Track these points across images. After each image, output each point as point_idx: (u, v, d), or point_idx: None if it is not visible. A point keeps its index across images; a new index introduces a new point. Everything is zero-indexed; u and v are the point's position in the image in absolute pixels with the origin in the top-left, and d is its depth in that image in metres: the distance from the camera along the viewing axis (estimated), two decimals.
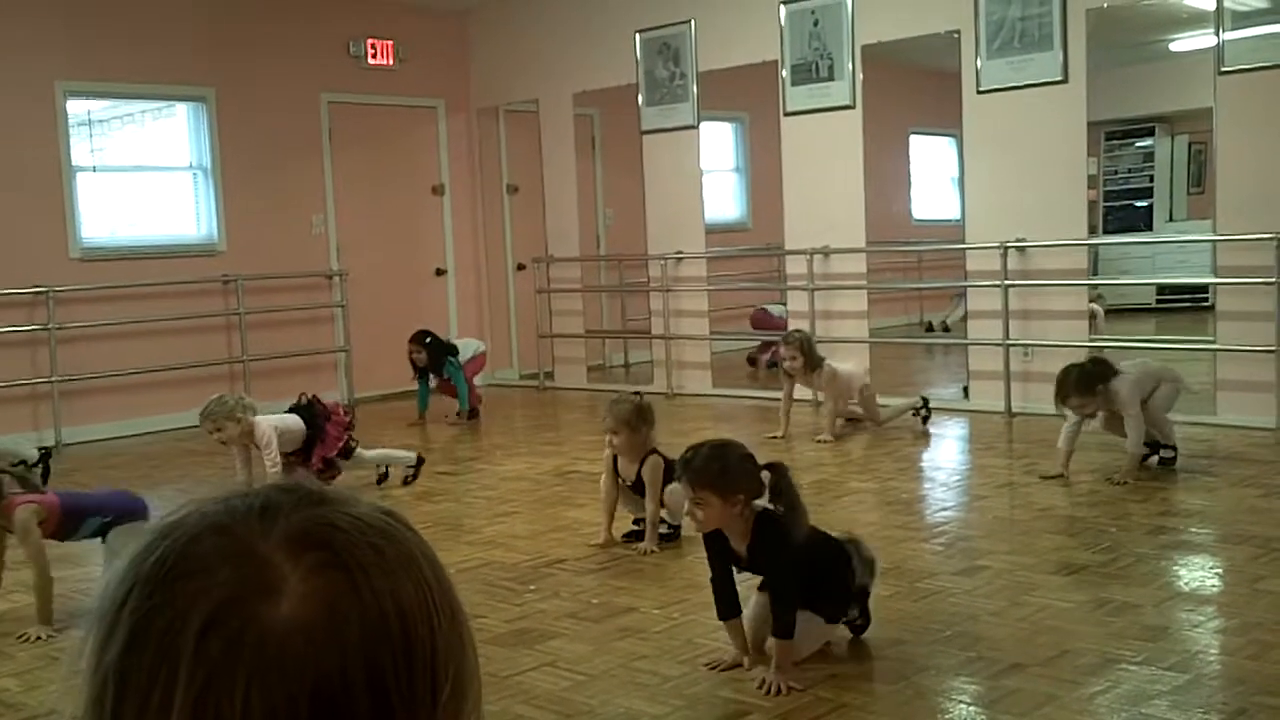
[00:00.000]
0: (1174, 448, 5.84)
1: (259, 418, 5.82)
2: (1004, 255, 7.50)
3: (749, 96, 9.58)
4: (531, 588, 4.37)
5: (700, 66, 8.97)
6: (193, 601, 0.64)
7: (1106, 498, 5.32)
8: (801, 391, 7.39)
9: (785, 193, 8.67)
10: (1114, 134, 12.60)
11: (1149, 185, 12.67)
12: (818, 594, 3.51)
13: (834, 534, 3.72)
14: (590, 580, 4.46)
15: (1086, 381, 5.54)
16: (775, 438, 6.98)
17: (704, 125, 9.23)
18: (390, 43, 9.85)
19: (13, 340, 8.04)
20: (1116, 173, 12.86)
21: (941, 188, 11.96)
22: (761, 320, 9.75)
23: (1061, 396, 5.63)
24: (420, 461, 6.39)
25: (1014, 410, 7.48)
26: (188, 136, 9.00)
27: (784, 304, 9.03)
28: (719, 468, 3.42)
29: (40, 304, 8.12)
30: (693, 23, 8.95)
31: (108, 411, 8.39)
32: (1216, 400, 6.92)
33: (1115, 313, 10.29)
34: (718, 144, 10.89)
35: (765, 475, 3.46)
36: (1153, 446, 5.84)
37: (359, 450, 6.22)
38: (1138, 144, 12.77)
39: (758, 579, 3.60)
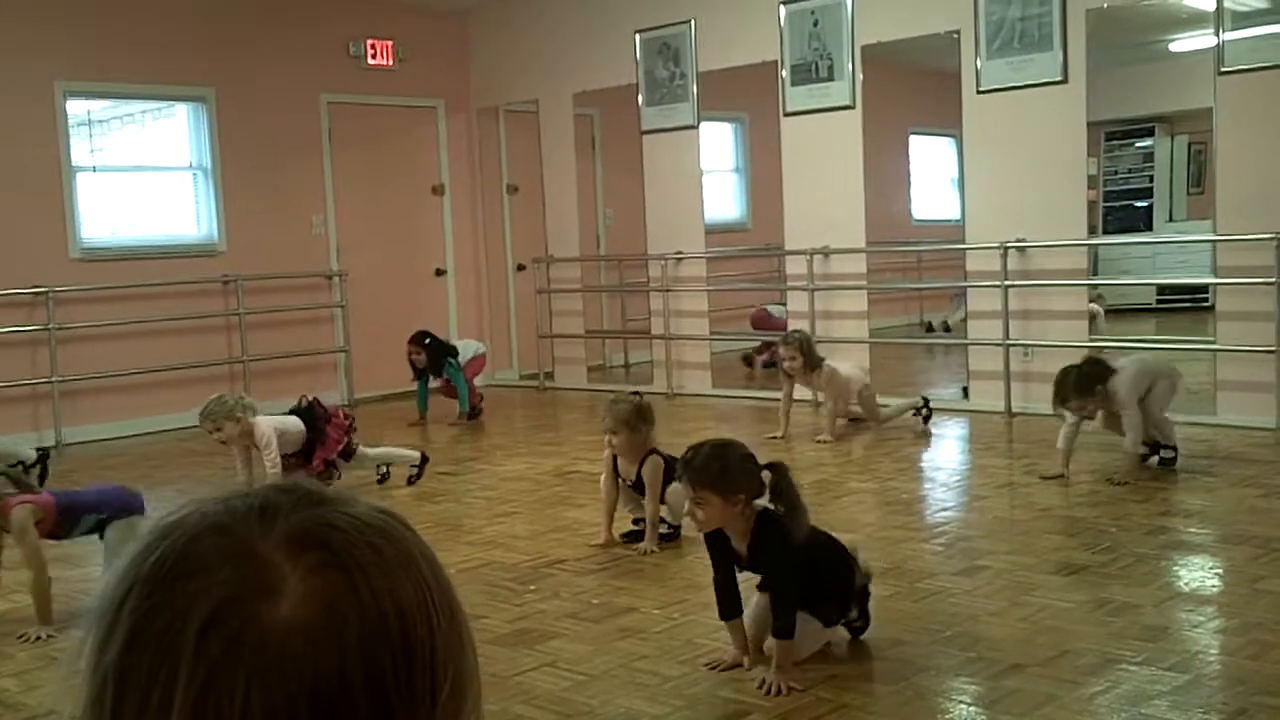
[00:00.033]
0: (1174, 448, 5.84)
1: (259, 418, 5.82)
2: (1004, 255, 7.50)
3: (749, 97, 9.58)
4: (532, 588, 4.37)
5: (700, 67, 8.97)
6: (192, 601, 0.64)
7: (1106, 498, 5.32)
8: (801, 392, 7.39)
9: (785, 193, 8.67)
10: (1114, 134, 12.60)
11: (1149, 185, 12.67)
12: (818, 594, 3.51)
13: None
14: (590, 580, 4.46)
15: (1084, 383, 5.53)
16: (775, 438, 6.98)
17: (704, 125, 9.23)
18: (390, 43, 9.85)
19: (13, 340, 8.04)
20: (1116, 173, 12.85)
21: (941, 188, 11.96)
22: (762, 321, 9.75)
23: (1060, 399, 5.62)
24: (424, 460, 6.38)
25: (1014, 410, 7.48)
26: (188, 137, 9.01)
27: (784, 305, 9.03)
28: (719, 467, 3.42)
29: (40, 304, 8.12)
30: (693, 23, 8.95)
31: (108, 412, 8.40)
32: (1216, 400, 6.92)
33: (1115, 313, 10.30)
34: (718, 144, 10.89)
35: (766, 475, 3.45)
36: (1153, 447, 5.84)
37: (361, 449, 6.22)
38: (1138, 144, 12.77)
39: (759, 579, 3.59)
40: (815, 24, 8.29)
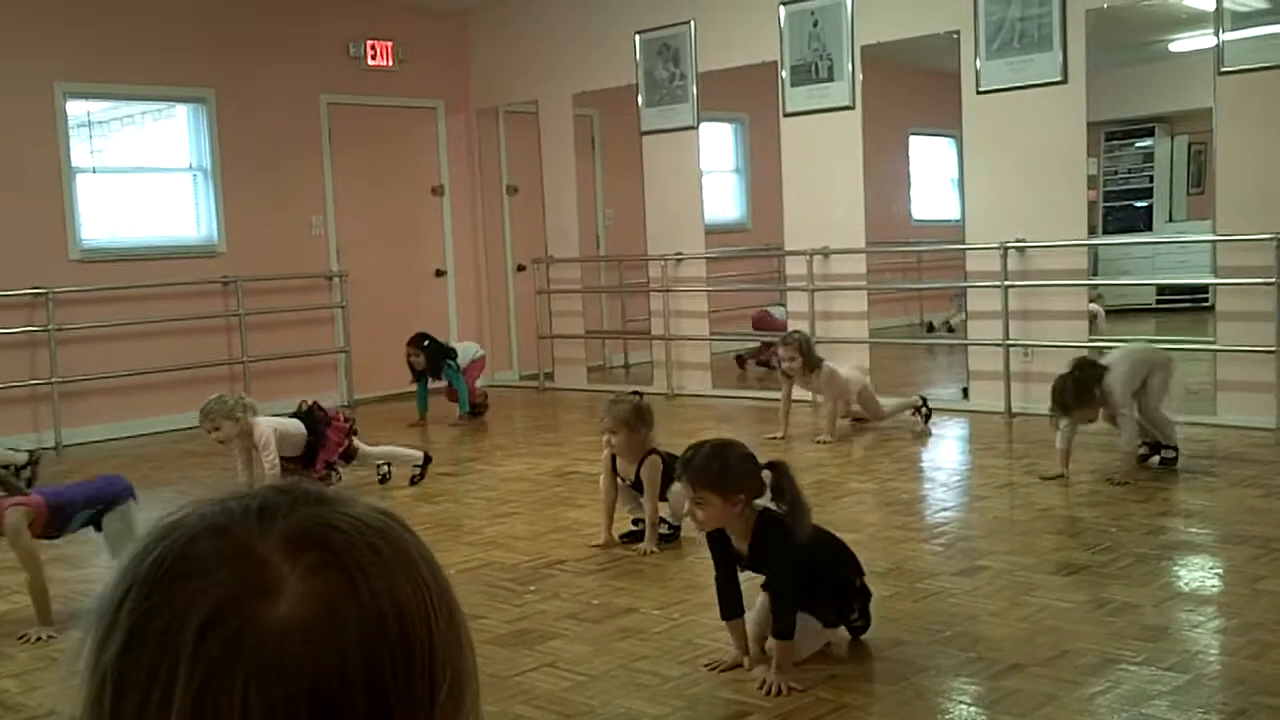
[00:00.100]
0: (1175, 448, 5.83)
1: (258, 419, 5.82)
2: (1004, 256, 7.50)
3: (749, 97, 9.58)
4: (532, 588, 4.37)
5: (700, 67, 8.97)
6: (191, 602, 0.64)
7: (1106, 498, 5.32)
8: (800, 392, 7.39)
9: (785, 193, 8.67)
10: (1114, 134, 12.60)
11: (1149, 185, 12.67)
12: (819, 593, 3.51)
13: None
14: (590, 581, 4.46)
15: (1081, 390, 5.47)
16: (775, 438, 6.97)
17: (704, 126, 9.24)
18: (390, 43, 9.85)
19: (12, 341, 8.04)
20: (1116, 173, 12.85)
21: (941, 188, 11.96)
22: (764, 321, 9.73)
23: (1061, 410, 5.57)
24: (427, 460, 6.38)
25: (1014, 410, 7.48)
26: (187, 137, 9.01)
27: (784, 306, 9.02)
28: (719, 467, 3.42)
29: (40, 305, 8.12)
30: (692, 23, 8.95)
31: (107, 413, 8.40)
32: (1216, 400, 6.92)
33: (1115, 313, 10.30)
34: (717, 145, 10.89)
35: (766, 474, 3.45)
36: (1153, 447, 5.84)
37: (363, 448, 6.23)
38: (1137, 144, 12.77)
39: (764, 579, 3.59)
40: (815, 24, 8.29)
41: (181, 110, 8.98)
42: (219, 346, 9.04)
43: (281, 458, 5.82)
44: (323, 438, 6.04)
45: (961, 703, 3.24)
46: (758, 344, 9.89)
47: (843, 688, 3.31)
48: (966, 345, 8.08)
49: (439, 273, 10.45)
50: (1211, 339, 7.17)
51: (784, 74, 8.48)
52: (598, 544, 4.90)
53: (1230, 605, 3.89)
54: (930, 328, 11.41)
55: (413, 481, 6.31)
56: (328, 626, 0.64)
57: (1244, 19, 6.80)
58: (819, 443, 6.91)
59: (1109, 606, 3.84)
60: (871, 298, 8.58)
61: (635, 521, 4.97)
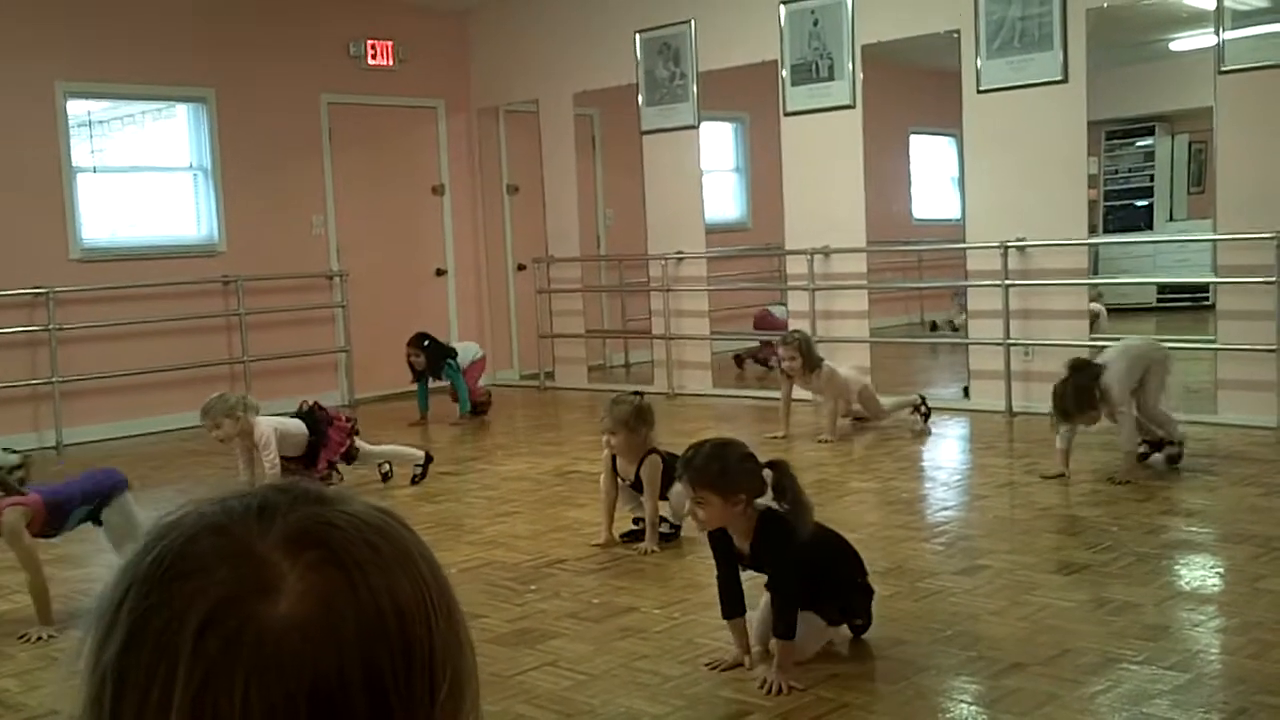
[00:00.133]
0: (1179, 443, 5.82)
1: (259, 418, 5.82)
2: (1004, 255, 7.50)
3: (749, 96, 9.58)
4: (532, 588, 4.37)
5: (700, 66, 8.97)
6: (190, 601, 0.64)
7: (1107, 497, 5.32)
8: (800, 391, 7.38)
9: (785, 193, 8.67)
10: (1114, 133, 12.60)
11: (1149, 185, 12.67)
12: (823, 592, 3.51)
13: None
14: (591, 580, 4.46)
15: (1081, 395, 5.45)
16: (776, 437, 6.97)
17: (704, 125, 9.23)
18: (390, 43, 9.85)
19: (13, 341, 8.04)
20: (1117, 172, 12.85)
21: (942, 187, 11.96)
22: (765, 321, 9.72)
23: (1064, 417, 5.56)
24: (429, 459, 6.39)
25: (1015, 410, 7.48)
26: (188, 137, 9.01)
27: (785, 305, 9.02)
28: (719, 468, 3.42)
29: (40, 305, 8.12)
30: (693, 23, 8.95)
31: (108, 412, 8.40)
32: (1217, 399, 6.91)
33: (1116, 312, 10.29)
34: (718, 144, 10.89)
35: (767, 473, 3.45)
36: (1154, 445, 5.83)
37: (365, 447, 6.23)
38: (1138, 143, 12.77)
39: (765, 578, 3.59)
40: (815, 24, 8.29)
41: (182, 110, 8.99)
42: (219, 346, 9.05)
43: (283, 458, 5.82)
44: (324, 438, 6.04)
45: (962, 702, 3.24)
46: (757, 343, 9.89)
47: (844, 687, 3.31)
48: (967, 344, 8.07)
49: (439, 272, 10.45)
50: (1212, 338, 7.17)
51: (784, 73, 8.48)
52: (598, 543, 4.90)
53: (1231, 604, 3.89)
54: (934, 326, 11.39)
55: (414, 481, 6.31)
56: (327, 625, 0.64)
57: (1244, 18, 6.79)
58: (820, 442, 6.91)
59: (1110, 605, 3.84)
60: (872, 297, 8.58)
61: (636, 520, 4.97)
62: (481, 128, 10.50)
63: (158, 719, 0.62)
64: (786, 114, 8.54)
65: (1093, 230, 9.51)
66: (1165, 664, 3.32)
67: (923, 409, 7.27)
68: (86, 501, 4.36)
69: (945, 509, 5.45)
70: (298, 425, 6.02)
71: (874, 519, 5.19)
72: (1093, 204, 10.28)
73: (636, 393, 5.14)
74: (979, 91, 7.63)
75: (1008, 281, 7.50)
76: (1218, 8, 6.81)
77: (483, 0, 10.15)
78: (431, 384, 8.49)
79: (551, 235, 10.13)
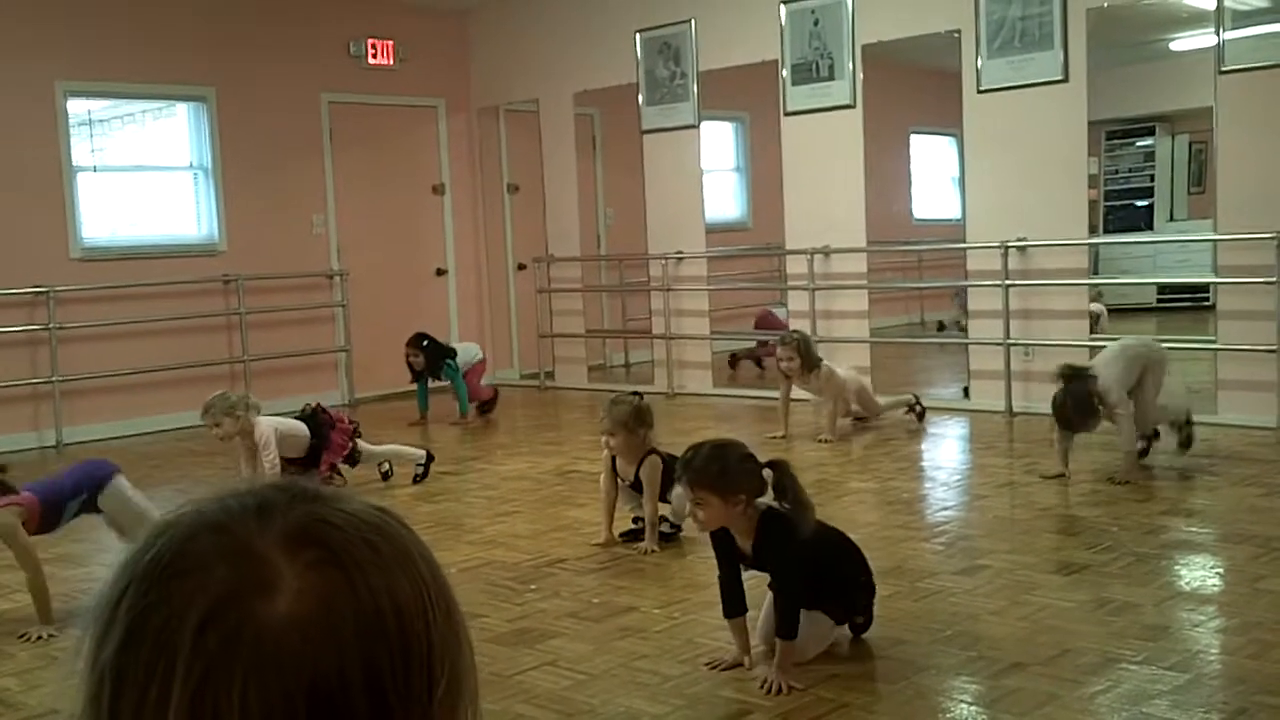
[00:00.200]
0: (1186, 422, 5.80)
1: (260, 418, 5.82)
2: (1004, 255, 7.50)
3: (749, 96, 9.58)
4: (532, 587, 4.37)
5: (701, 66, 8.97)
6: (189, 599, 0.64)
7: (1107, 497, 5.32)
8: (799, 391, 7.38)
9: (786, 192, 8.67)
10: (1114, 133, 12.60)
11: (1149, 185, 12.67)
12: (826, 590, 3.51)
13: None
14: (591, 580, 4.46)
15: (1082, 404, 5.42)
16: (776, 437, 6.98)
17: (704, 125, 9.23)
18: (390, 43, 9.85)
19: (13, 340, 8.04)
20: (1117, 172, 12.85)
21: (942, 187, 11.96)
22: (766, 321, 9.70)
23: (1067, 427, 5.55)
24: (430, 458, 6.39)
25: (1015, 410, 7.48)
26: (188, 136, 9.01)
27: (785, 306, 9.02)
28: (718, 468, 3.42)
29: (41, 304, 8.12)
30: (693, 22, 8.95)
31: (108, 411, 8.40)
32: (1218, 399, 6.91)
33: (1116, 312, 10.28)
34: (718, 143, 10.89)
35: (767, 473, 3.45)
36: (1149, 438, 5.82)
37: (366, 446, 6.24)
38: (1138, 143, 12.77)
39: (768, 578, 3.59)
40: (816, 23, 8.29)
41: (182, 109, 8.99)
42: (220, 345, 9.05)
43: (284, 459, 5.82)
44: (326, 440, 6.05)
45: (962, 702, 3.24)
46: (755, 344, 9.88)
47: (844, 686, 3.31)
48: (967, 344, 8.07)
49: (440, 271, 10.45)
50: (1212, 338, 7.17)
51: (785, 73, 8.48)
52: (598, 543, 4.90)
53: (1231, 604, 3.89)
54: (941, 326, 11.38)
55: (416, 480, 6.31)
56: (325, 623, 0.64)
57: (1245, 18, 6.79)
58: (820, 442, 6.91)
59: (1110, 606, 3.84)
60: (872, 297, 8.58)
61: (635, 520, 4.97)
62: (482, 127, 10.50)
63: (156, 717, 0.62)
64: (787, 114, 8.54)
65: (1093, 230, 9.50)
66: (1165, 664, 3.32)
67: (917, 408, 7.29)
68: (78, 492, 4.35)
69: (945, 509, 5.45)
70: (299, 427, 6.02)
71: (874, 519, 5.19)
72: (1093, 204, 10.27)
73: (635, 393, 5.14)
74: (979, 91, 7.63)
75: (1008, 281, 7.50)
76: (1218, 8, 6.81)
77: (483, 0, 10.15)
78: (432, 384, 8.49)
79: (552, 235, 10.13)
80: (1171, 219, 12.57)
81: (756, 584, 3.58)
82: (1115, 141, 12.73)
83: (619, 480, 4.92)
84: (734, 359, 9.98)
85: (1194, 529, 4.83)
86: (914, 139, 12.27)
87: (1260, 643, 3.45)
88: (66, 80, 8.25)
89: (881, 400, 7.36)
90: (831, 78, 8.26)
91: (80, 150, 8.40)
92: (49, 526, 4.30)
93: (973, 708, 3.20)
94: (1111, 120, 11.71)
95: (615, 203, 10.55)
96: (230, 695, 0.62)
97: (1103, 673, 3.29)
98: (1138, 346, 5.81)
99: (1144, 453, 5.82)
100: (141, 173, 8.91)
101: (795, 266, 8.72)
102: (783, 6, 8.42)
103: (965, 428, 7.40)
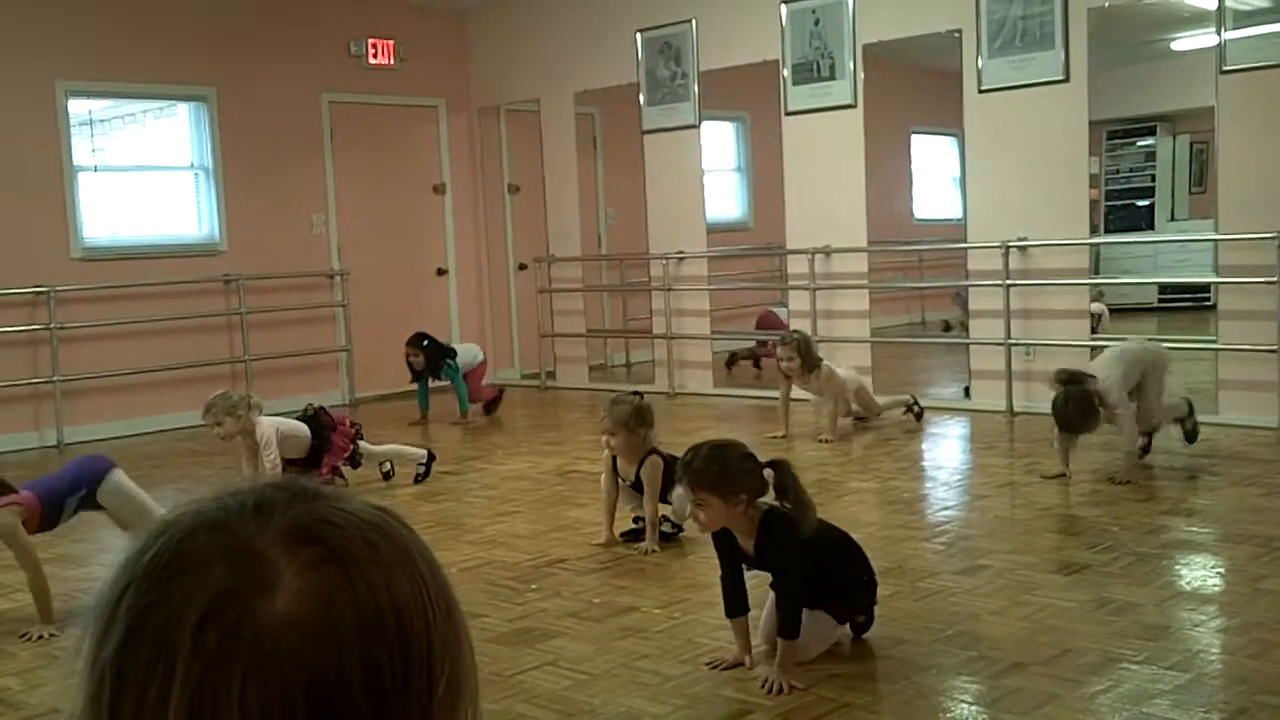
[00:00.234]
0: (1188, 415, 5.81)
1: (261, 418, 5.82)
2: (1005, 254, 7.50)
3: (750, 96, 9.58)
4: (533, 587, 4.37)
5: (701, 66, 8.97)
6: (189, 597, 0.64)
7: (1107, 497, 5.31)
8: (799, 391, 7.38)
9: (786, 192, 8.67)
10: (1115, 133, 12.59)
11: (1150, 184, 12.66)
12: (829, 588, 3.51)
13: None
14: (592, 580, 4.45)
15: (1083, 404, 5.42)
16: (777, 437, 6.98)
17: (705, 125, 9.23)
18: (391, 42, 9.85)
19: (14, 340, 8.05)
20: (1118, 172, 12.85)
21: (943, 187, 11.95)
22: (768, 321, 9.70)
23: (1071, 430, 5.54)
24: (431, 458, 6.39)
25: (1015, 410, 7.48)
26: (189, 136, 9.01)
27: (786, 306, 9.02)
28: (718, 469, 3.41)
29: (41, 304, 8.13)
30: (694, 22, 8.95)
31: (109, 411, 8.40)
32: (1218, 399, 6.91)
33: (1117, 312, 10.28)
34: (719, 143, 10.89)
35: (768, 473, 3.45)
36: (1149, 436, 5.82)
37: (367, 446, 6.24)
38: (1139, 143, 12.76)
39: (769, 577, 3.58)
40: (816, 23, 8.29)
41: (183, 109, 8.99)
42: (220, 345, 9.05)
43: (285, 459, 5.82)
44: (327, 442, 6.05)
45: (963, 701, 3.24)
46: (754, 343, 9.87)
47: (845, 686, 3.31)
48: (968, 344, 8.07)
49: (440, 271, 10.45)
50: (1213, 338, 7.17)
51: (785, 72, 8.48)
52: (599, 543, 4.90)
53: (1232, 604, 3.89)
54: (947, 327, 11.36)
55: (417, 480, 6.32)
56: (325, 621, 0.64)
57: (1246, 17, 6.79)
58: (821, 442, 6.91)
59: (1110, 605, 3.84)
60: (873, 297, 8.58)
61: (636, 519, 4.96)
62: (483, 127, 10.50)
63: (156, 716, 0.62)
64: (788, 113, 8.54)
65: (1094, 230, 9.50)
66: (1166, 664, 3.32)
67: (915, 408, 7.31)
68: (77, 488, 4.35)
69: (946, 509, 5.44)
70: (301, 427, 6.02)
71: (874, 519, 5.19)
72: (1094, 204, 10.27)
73: (636, 393, 5.14)
74: (980, 91, 7.63)
75: (1009, 281, 7.50)
76: (1219, 7, 6.80)
77: (483, 0, 10.15)
78: (432, 384, 8.49)
79: (552, 235, 10.13)
80: (1172, 219, 12.57)
81: (758, 583, 3.58)
82: (1116, 141, 12.72)
83: (620, 480, 4.92)
84: (733, 359, 9.97)
85: (1195, 529, 4.83)
86: (915, 139, 12.27)
87: (1261, 642, 3.45)
88: (67, 80, 8.25)
89: (880, 400, 7.37)
90: (832, 77, 8.26)
91: (81, 150, 8.40)
92: (49, 524, 4.30)
93: (973, 707, 3.20)
94: (1112, 120, 11.71)
95: (616, 202, 10.55)
96: (229, 694, 0.62)
97: (1103, 672, 3.28)
98: (1137, 350, 5.81)
99: (1145, 449, 5.82)
100: (142, 172, 8.91)
101: (796, 266, 8.72)
102: (783, 6, 8.42)
103: (966, 427, 7.40)
